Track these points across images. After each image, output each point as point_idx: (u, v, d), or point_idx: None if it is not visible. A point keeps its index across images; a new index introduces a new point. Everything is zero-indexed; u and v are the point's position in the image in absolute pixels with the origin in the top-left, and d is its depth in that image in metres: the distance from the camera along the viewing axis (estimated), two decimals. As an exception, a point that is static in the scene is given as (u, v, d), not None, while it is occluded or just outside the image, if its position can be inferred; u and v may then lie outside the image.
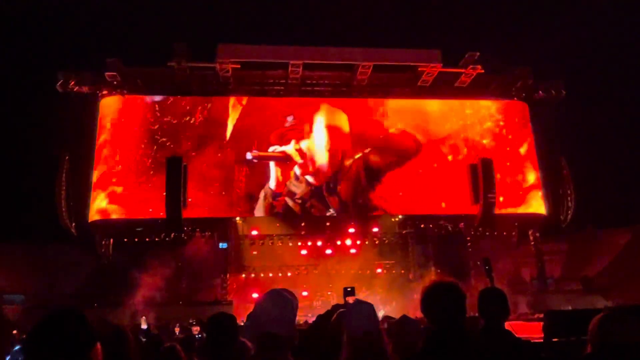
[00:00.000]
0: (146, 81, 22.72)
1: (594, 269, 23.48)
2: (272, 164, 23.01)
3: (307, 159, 23.22)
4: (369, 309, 2.47)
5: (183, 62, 21.25)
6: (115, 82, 22.16)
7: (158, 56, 22.69)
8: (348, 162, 23.42)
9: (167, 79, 22.48)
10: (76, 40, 28.90)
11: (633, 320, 2.07)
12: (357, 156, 23.52)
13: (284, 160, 23.01)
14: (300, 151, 23.25)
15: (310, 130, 23.67)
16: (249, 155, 22.77)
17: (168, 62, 21.26)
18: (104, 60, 21.73)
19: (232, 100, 23.38)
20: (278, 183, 22.75)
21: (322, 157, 23.33)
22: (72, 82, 21.77)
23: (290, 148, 23.27)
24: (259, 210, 22.59)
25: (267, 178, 22.87)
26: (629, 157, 29.03)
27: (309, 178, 23.05)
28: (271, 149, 23.08)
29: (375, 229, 23.51)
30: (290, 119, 23.61)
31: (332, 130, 23.75)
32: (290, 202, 22.74)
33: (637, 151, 28.52)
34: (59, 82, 21.62)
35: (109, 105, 22.76)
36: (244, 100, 23.42)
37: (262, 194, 22.55)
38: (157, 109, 22.84)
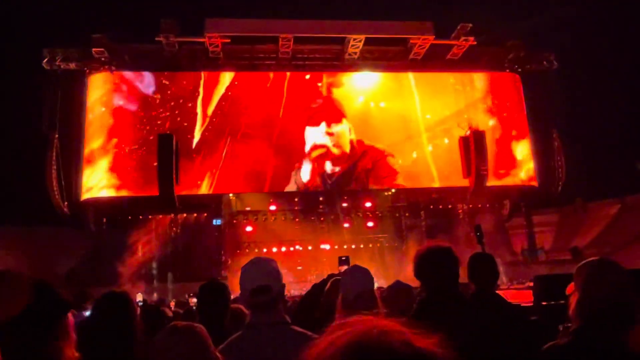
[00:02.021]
0: (134, 57, 22.28)
1: (583, 239, 23.84)
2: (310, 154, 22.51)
3: (338, 145, 22.75)
4: (364, 272, 2.48)
5: (171, 37, 20.84)
6: (102, 59, 21.72)
7: (146, 31, 22.25)
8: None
9: (156, 55, 22.07)
10: (61, 16, 28.17)
11: (621, 272, 1.97)
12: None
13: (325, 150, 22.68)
14: (335, 138, 22.76)
15: (343, 114, 23.02)
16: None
17: (156, 37, 20.86)
18: (90, 37, 21.27)
19: (201, 75, 22.90)
20: (312, 176, 22.43)
21: (345, 146, 22.89)
22: (59, 59, 21.33)
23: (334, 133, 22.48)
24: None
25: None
26: (619, 130, 29.21)
27: (328, 166, 22.61)
28: (309, 131, 22.51)
29: (368, 204, 23.62)
30: (319, 100, 23.29)
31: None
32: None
33: (627, 124, 28.68)
34: (45, 59, 21.17)
35: (98, 81, 22.37)
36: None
37: (292, 180, 22.34)
38: (147, 84, 22.50)
